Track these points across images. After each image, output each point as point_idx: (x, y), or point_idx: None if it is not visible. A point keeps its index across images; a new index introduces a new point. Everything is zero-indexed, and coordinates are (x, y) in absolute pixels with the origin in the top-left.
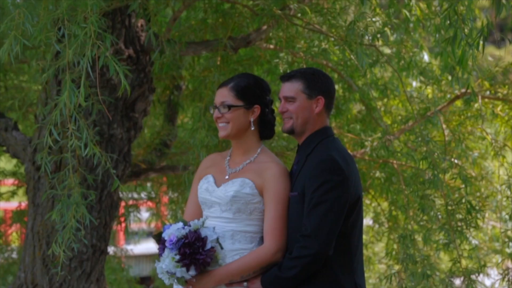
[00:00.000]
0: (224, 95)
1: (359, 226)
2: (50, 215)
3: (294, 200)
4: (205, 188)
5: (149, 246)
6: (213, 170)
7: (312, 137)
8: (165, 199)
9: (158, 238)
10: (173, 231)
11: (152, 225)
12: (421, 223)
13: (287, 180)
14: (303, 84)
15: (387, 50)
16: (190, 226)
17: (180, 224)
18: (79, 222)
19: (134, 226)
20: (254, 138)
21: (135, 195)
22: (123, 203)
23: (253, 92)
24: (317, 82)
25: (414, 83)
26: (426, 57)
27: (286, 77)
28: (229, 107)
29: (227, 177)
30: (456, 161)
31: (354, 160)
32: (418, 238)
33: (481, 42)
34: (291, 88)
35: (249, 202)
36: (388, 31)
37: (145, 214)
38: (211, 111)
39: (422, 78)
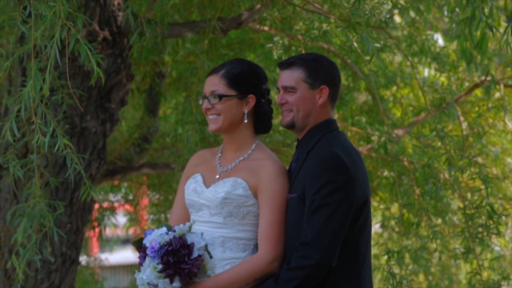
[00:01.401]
0: (215, 84)
1: (367, 232)
2: (16, 237)
3: (293, 202)
4: (193, 188)
5: (127, 255)
6: (202, 168)
7: (314, 131)
8: (145, 201)
9: (139, 245)
10: (155, 237)
11: (130, 231)
12: (436, 228)
13: (284, 179)
14: (305, 72)
15: (396, 33)
16: (174, 231)
17: (164, 229)
18: (43, 241)
19: (109, 232)
20: (248, 132)
21: (111, 197)
22: (97, 206)
23: (248, 80)
24: (320, 70)
25: (426, 70)
26: (440, 40)
27: (285, 64)
28: (220, 97)
29: (217, 176)
30: (475, 158)
31: (361, 157)
32: (433, 245)
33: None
34: (291, 76)
35: (242, 205)
36: (404, 3)
37: (122, 219)
38: (200, 102)
39: (436, 65)
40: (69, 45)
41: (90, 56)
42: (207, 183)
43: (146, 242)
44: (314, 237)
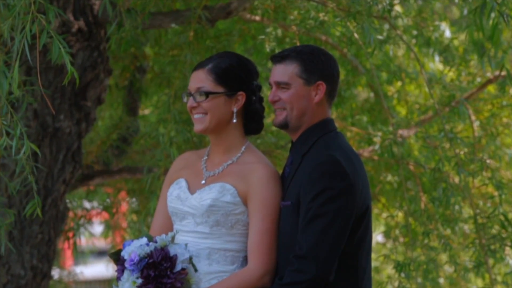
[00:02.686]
0: (201, 79)
1: (367, 244)
2: None
3: (286, 211)
4: (176, 195)
5: (103, 268)
6: (187, 172)
7: (309, 132)
8: (124, 208)
9: (116, 257)
10: (135, 248)
11: (108, 242)
12: (445, 239)
13: (277, 185)
14: (300, 66)
15: (401, 23)
16: (156, 242)
17: (144, 240)
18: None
19: (84, 243)
20: (237, 133)
21: (87, 204)
22: (70, 214)
23: (237, 76)
24: (317, 64)
25: (432, 64)
26: (447, 32)
27: (278, 58)
28: (207, 94)
29: (203, 181)
30: (488, 161)
31: (362, 161)
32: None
33: None
34: (284, 71)
35: (230, 213)
36: None
37: (98, 228)
38: (184, 100)
39: (444, 58)
40: (40, 39)
41: (63, 54)
42: (191, 189)
43: (125, 254)
44: (309, 249)
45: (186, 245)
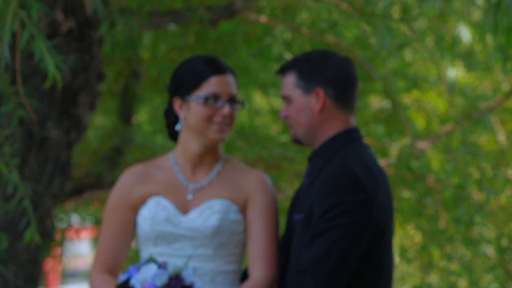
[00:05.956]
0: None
1: (385, 270)
2: None
3: (299, 225)
4: (164, 218)
5: None
6: (158, 188)
7: (331, 143)
8: None
9: (124, 286)
10: (148, 277)
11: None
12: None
13: (273, 190)
14: (296, 74)
15: (418, 25)
16: (164, 267)
17: (153, 266)
18: None
19: (73, 263)
20: None
21: (74, 220)
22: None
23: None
24: (313, 68)
25: (451, 70)
26: (466, 34)
27: (280, 71)
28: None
29: (190, 197)
30: None
31: (386, 176)
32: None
33: None
34: (284, 83)
35: (235, 233)
36: None
37: (80, 245)
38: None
39: (465, 64)
40: (24, 41)
41: (46, 57)
42: (181, 208)
43: (136, 283)
44: (311, 264)
45: (195, 270)
